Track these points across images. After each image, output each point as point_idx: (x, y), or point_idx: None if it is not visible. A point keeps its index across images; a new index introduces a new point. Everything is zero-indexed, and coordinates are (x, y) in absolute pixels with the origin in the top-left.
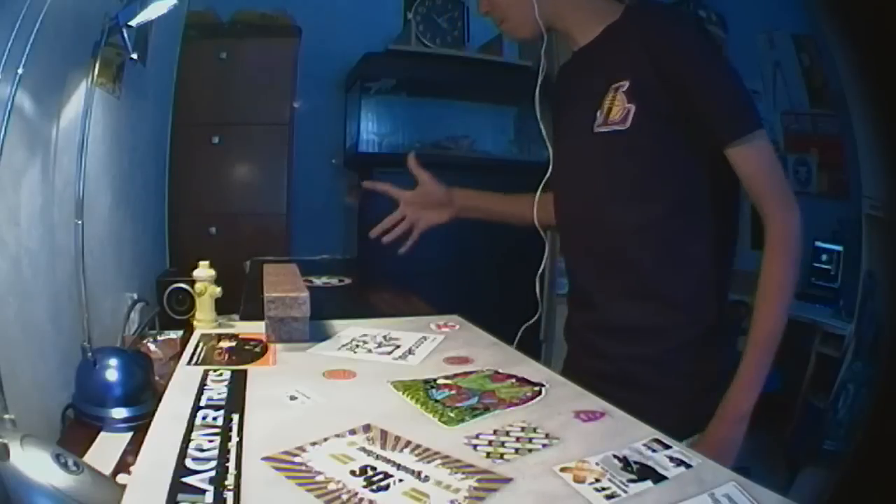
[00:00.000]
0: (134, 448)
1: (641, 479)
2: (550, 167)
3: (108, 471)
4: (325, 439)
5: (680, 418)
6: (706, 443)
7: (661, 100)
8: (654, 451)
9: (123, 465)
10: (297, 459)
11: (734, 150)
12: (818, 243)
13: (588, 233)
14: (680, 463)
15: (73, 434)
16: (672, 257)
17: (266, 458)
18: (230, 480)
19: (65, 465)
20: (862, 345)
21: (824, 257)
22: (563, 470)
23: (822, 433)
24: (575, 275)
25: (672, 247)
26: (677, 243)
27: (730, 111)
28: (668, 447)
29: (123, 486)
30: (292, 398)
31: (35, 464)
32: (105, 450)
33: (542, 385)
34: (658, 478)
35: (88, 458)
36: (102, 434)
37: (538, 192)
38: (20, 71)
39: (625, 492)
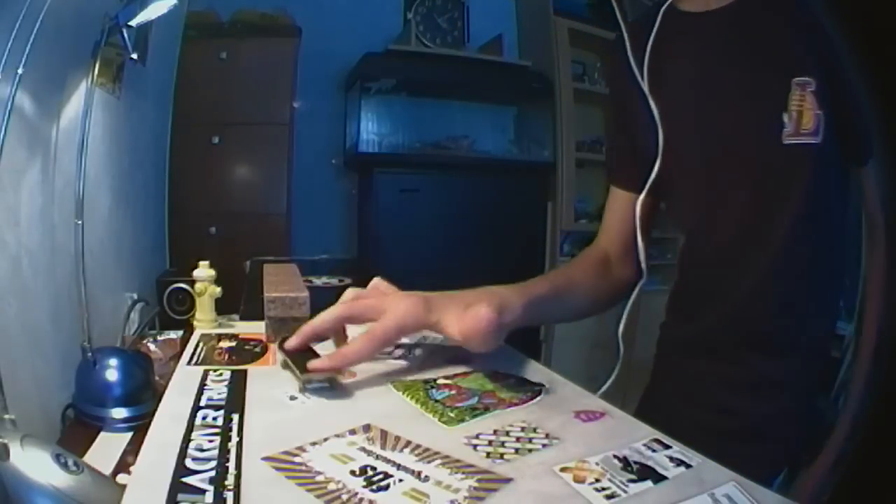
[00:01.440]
0: (134, 448)
1: (641, 479)
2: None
3: (108, 471)
4: (325, 439)
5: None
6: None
7: (842, 105)
8: (653, 450)
9: (123, 465)
10: (297, 459)
11: (866, 171)
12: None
13: (737, 270)
14: (680, 463)
15: (74, 434)
16: (820, 301)
17: (266, 458)
18: (230, 480)
19: (65, 465)
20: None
21: None
22: (563, 470)
23: (823, 433)
24: (699, 318)
25: (821, 290)
26: (824, 286)
27: (869, 120)
28: (668, 447)
29: (123, 486)
30: (292, 398)
31: (35, 464)
32: (105, 450)
33: (542, 385)
34: (658, 478)
35: (88, 458)
36: (102, 434)
37: (638, 231)
38: (20, 71)
39: (625, 492)
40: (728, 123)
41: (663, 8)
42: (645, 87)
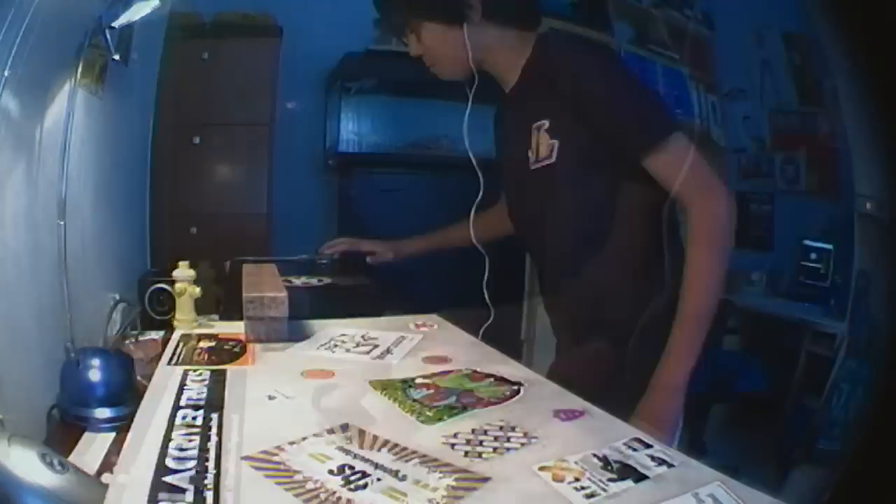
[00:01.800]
0: (117, 448)
1: (622, 478)
2: (481, 191)
3: (92, 470)
4: (304, 438)
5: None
6: (641, 414)
7: (578, 130)
8: (634, 450)
9: (107, 465)
10: (275, 458)
11: (650, 161)
12: (807, 241)
13: (540, 250)
14: (662, 462)
15: (59, 434)
16: (620, 274)
17: (245, 458)
18: (210, 480)
19: (51, 465)
20: (856, 343)
21: (813, 255)
22: (542, 469)
23: (815, 432)
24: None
25: (619, 264)
26: (620, 249)
27: (636, 124)
28: (648, 446)
29: (108, 486)
30: (271, 398)
31: (22, 463)
32: (89, 450)
33: (521, 384)
34: (639, 477)
35: (73, 457)
36: (87, 434)
37: (472, 213)
38: (6, 73)
39: (605, 491)
40: (510, 163)
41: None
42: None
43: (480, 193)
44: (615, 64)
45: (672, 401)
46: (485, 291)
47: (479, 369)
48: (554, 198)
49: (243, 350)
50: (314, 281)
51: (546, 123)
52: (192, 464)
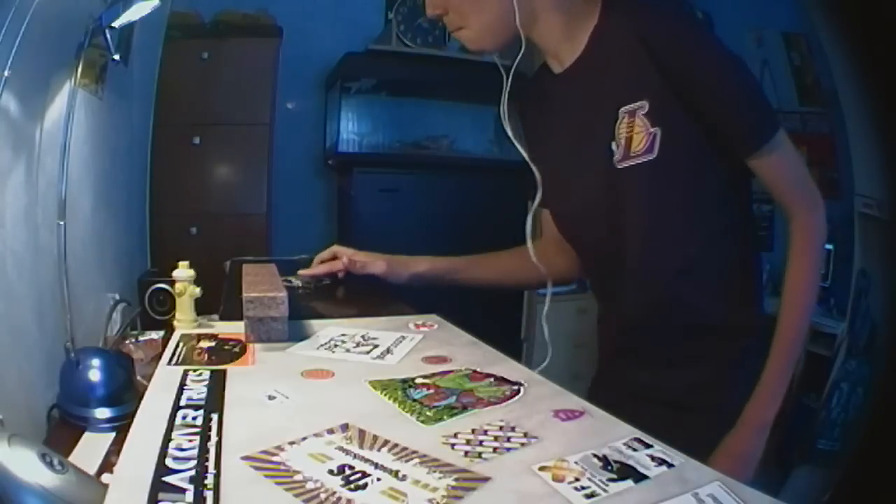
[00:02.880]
0: (117, 448)
1: (622, 478)
2: (539, 193)
3: (92, 470)
4: (304, 439)
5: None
6: (726, 453)
7: (685, 117)
8: (634, 450)
9: (107, 465)
10: (275, 459)
11: (756, 161)
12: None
13: (626, 279)
14: (662, 462)
15: (59, 434)
16: (721, 285)
17: (245, 458)
18: (210, 480)
19: (51, 465)
20: (856, 343)
21: None
22: (541, 469)
23: (815, 432)
24: (611, 325)
25: (720, 274)
26: (723, 269)
27: (748, 120)
28: (649, 446)
29: (107, 486)
30: (271, 398)
31: (22, 463)
32: (89, 450)
33: (521, 384)
34: (639, 477)
35: (73, 457)
36: (87, 434)
37: (528, 222)
38: (6, 74)
39: (605, 491)
40: (571, 162)
41: (511, 71)
42: (517, 144)
43: (539, 195)
44: (716, 38)
45: (761, 441)
46: (544, 325)
47: (479, 369)
48: (656, 205)
49: (243, 350)
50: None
51: (645, 106)
52: (192, 464)
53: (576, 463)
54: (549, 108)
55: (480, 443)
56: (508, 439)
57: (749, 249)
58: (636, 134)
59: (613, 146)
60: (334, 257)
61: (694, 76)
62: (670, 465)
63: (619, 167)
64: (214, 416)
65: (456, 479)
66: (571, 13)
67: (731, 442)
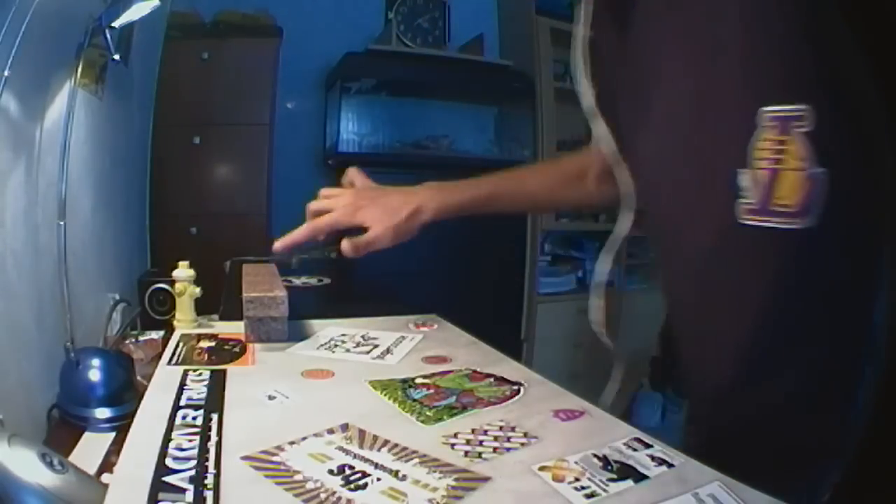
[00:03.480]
0: (117, 448)
1: (622, 478)
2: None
3: (92, 470)
4: (304, 438)
5: None
6: None
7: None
8: (634, 450)
9: (107, 465)
10: (275, 459)
11: None
12: None
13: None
14: (662, 462)
15: (59, 434)
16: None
17: (245, 458)
18: (210, 480)
19: (51, 465)
20: None
21: None
22: (541, 469)
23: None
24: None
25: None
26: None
27: None
28: (648, 446)
29: (107, 486)
30: (271, 398)
31: (22, 463)
32: (89, 450)
33: (521, 384)
34: (639, 477)
35: (73, 457)
36: (87, 434)
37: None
38: (6, 74)
39: (605, 491)
40: (674, 169)
41: None
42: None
43: (626, 222)
44: None
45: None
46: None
47: (478, 369)
48: (785, 311)
49: (243, 350)
50: (314, 280)
51: (808, 115)
52: (192, 464)
53: (576, 463)
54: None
55: (480, 443)
56: (508, 439)
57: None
58: (789, 170)
59: (743, 179)
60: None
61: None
62: (670, 465)
63: (745, 223)
64: (214, 416)
65: (456, 479)
66: None
67: None
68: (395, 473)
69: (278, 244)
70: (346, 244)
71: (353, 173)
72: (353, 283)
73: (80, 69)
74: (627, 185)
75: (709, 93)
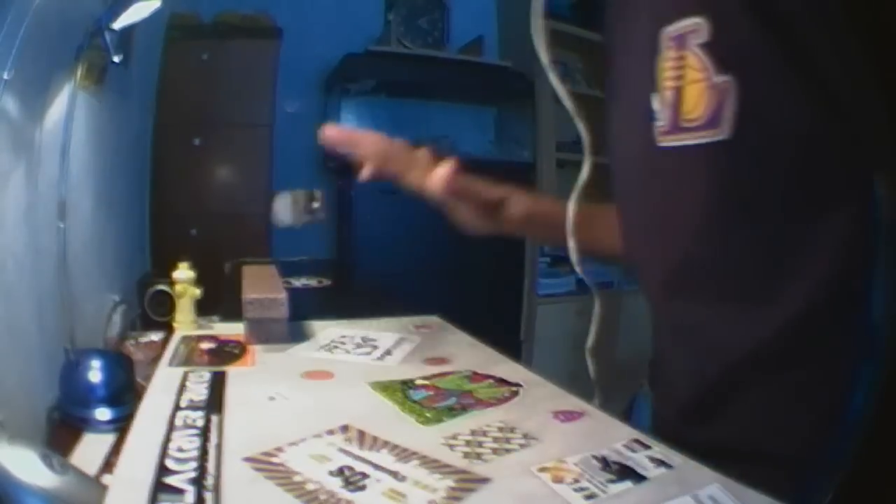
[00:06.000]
0: (118, 449)
1: (621, 479)
2: (587, 166)
3: (93, 471)
4: (304, 440)
5: None
6: None
7: (782, 50)
8: (633, 451)
9: (108, 466)
10: (275, 460)
11: None
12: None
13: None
14: (661, 463)
15: (59, 435)
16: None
17: (245, 459)
18: (210, 481)
19: (51, 466)
20: None
21: None
22: (541, 470)
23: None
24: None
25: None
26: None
27: None
28: (648, 447)
29: (107, 487)
30: (271, 399)
31: (23, 464)
32: (90, 451)
33: (520, 385)
34: (638, 478)
35: (74, 459)
36: (87, 435)
37: (574, 196)
38: (6, 76)
39: (604, 492)
40: (617, 135)
41: None
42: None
43: (586, 168)
44: None
45: None
46: (587, 357)
47: (478, 370)
48: (709, 228)
49: (243, 351)
50: (314, 282)
51: (701, 28)
52: (192, 465)
53: (575, 464)
54: (608, 46)
55: (480, 444)
56: (508, 440)
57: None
58: (690, 84)
59: (655, 103)
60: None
61: None
62: (669, 467)
63: (662, 146)
64: (215, 418)
65: (456, 480)
66: None
67: None
68: (395, 474)
69: (332, 132)
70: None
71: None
72: (353, 285)
73: (80, 71)
74: (585, 132)
75: (632, 40)
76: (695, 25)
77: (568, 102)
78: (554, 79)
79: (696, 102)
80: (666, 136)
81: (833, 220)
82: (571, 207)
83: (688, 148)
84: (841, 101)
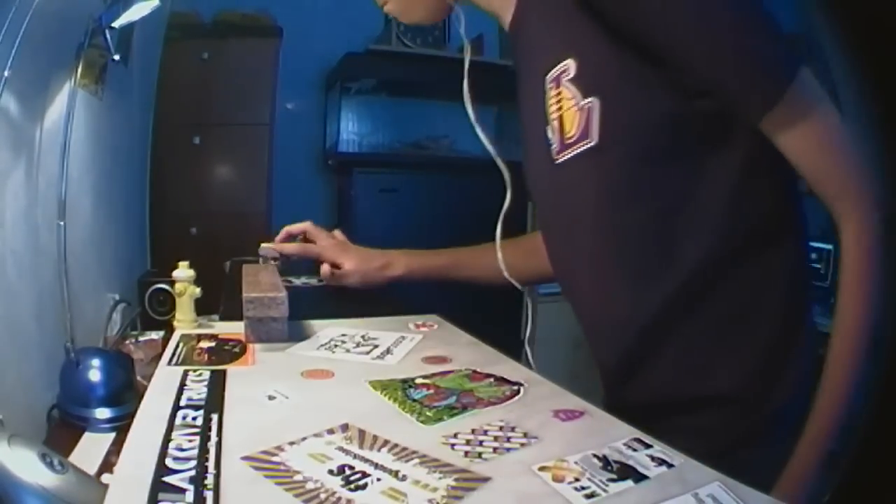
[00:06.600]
0: (117, 448)
1: (622, 478)
2: (508, 196)
3: (92, 471)
4: (304, 439)
5: None
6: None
7: (638, 73)
8: (634, 450)
9: (107, 465)
10: (275, 459)
11: (767, 128)
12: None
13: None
14: (661, 462)
15: (59, 434)
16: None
17: (245, 458)
18: (210, 480)
19: (51, 465)
20: None
21: (813, 255)
22: (541, 469)
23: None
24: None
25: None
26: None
27: (745, 76)
28: (648, 446)
29: (107, 486)
30: (271, 398)
31: (22, 463)
32: (90, 450)
33: (521, 384)
34: (639, 477)
35: (74, 458)
36: (87, 434)
37: (498, 230)
38: (6, 74)
39: (605, 491)
40: (528, 157)
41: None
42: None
43: (507, 199)
44: None
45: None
46: (526, 348)
47: (479, 369)
48: (606, 222)
49: (243, 350)
50: (314, 281)
51: (569, 67)
52: (192, 464)
53: (576, 463)
54: (517, 86)
55: (480, 443)
56: (508, 439)
57: (788, 288)
58: (566, 111)
59: (548, 131)
60: (306, 239)
61: (641, 6)
62: (670, 466)
63: (557, 163)
64: (214, 417)
65: (456, 480)
66: None
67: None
68: (395, 474)
69: (267, 246)
70: (325, 268)
71: (338, 233)
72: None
73: (80, 69)
74: (505, 169)
75: (528, 89)
76: (565, 66)
77: (490, 147)
78: (480, 132)
79: (572, 123)
80: (558, 155)
81: (712, 178)
82: (499, 228)
83: (572, 159)
84: (693, 93)
